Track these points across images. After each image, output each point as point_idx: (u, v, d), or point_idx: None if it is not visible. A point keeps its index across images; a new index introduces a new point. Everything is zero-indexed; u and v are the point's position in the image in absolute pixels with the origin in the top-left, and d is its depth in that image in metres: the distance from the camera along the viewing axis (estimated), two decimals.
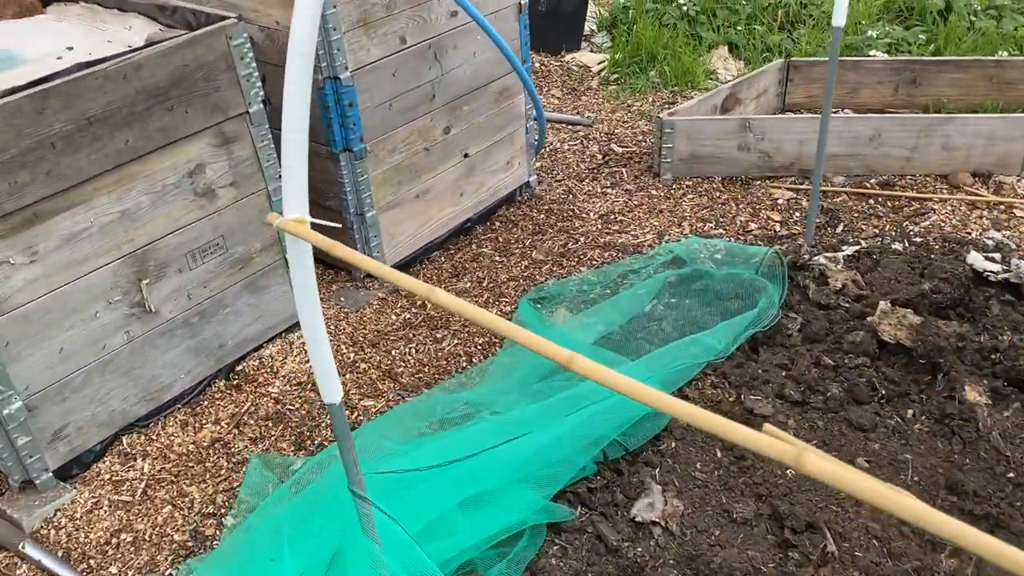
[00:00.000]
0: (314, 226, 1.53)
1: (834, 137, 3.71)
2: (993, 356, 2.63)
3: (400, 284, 1.33)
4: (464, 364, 2.95)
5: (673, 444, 2.49)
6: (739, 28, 5.32)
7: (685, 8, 5.38)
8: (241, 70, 2.61)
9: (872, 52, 4.68)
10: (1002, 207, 3.53)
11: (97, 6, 2.97)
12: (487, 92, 3.51)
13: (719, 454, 2.47)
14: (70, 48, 2.71)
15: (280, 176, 2.81)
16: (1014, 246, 3.26)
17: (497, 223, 3.72)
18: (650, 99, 4.70)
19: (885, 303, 2.82)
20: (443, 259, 3.51)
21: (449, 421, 2.58)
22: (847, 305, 2.96)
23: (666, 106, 4.61)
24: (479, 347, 3.02)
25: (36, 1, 3.15)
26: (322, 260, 3.31)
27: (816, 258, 3.19)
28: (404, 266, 3.45)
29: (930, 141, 3.67)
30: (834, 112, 4.43)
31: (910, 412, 2.53)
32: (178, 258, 2.64)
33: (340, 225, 1.75)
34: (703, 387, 2.70)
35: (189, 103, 2.51)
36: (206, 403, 2.84)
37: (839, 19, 2.93)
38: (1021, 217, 3.46)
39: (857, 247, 3.27)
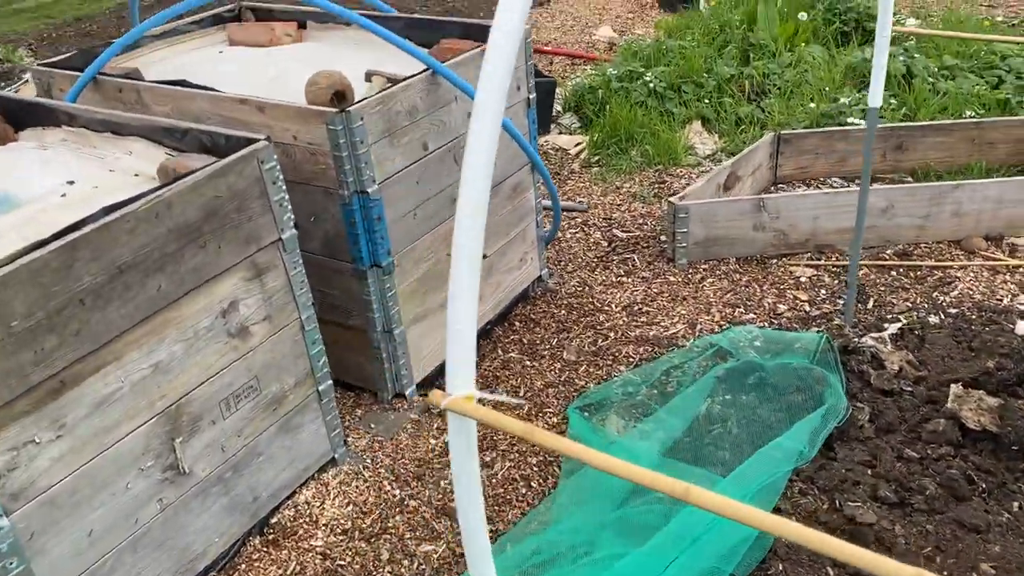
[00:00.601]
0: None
1: (846, 211, 3.67)
2: None
3: (645, 483, 1.12)
4: (523, 490, 2.71)
5: (780, 566, 2.31)
6: (707, 101, 5.34)
7: (652, 85, 5.38)
8: (274, 195, 2.37)
9: (850, 120, 4.74)
10: (1022, 270, 3.53)
11: (84, 129, 2.69)
12: (502, 190, 3.34)
13: (831, 572, 2.29)
14: (71, 182, 2.43)
15: (311, 303, 2.57)
16: None
17: (517, 323, 3.52)
18: (636, 179, 4.62)
19: (958, 387, 2.74)
20: None
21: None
22: (910, 389, 2.87)
23: (654, 186, 4.53)
24: (534, 468, 2.79)
25: (7, 126, 2.84)
26: (339, 380, 3.04)
27: (863, 340, 3.10)
28: (430, 381, 3.20)
29: (941, 209, 3.67)
30: (823, 182, 4.45)
31: (1016, 505, 2.42)
32: (212, 408, 2.34)
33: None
34: (792, 494, 2.54)
35: (222, 237, 2.25)
36: (243, 566, 2.51)
37: (875, 100, 2.89)
38: None
39: (899, 324, 3.20)
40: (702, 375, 3.11)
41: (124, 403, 2.10)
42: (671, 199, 3.69)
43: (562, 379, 3.18)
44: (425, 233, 3.01)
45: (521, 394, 3.12)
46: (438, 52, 3.31)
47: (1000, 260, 3.58)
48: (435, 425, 3.00)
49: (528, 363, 3.28)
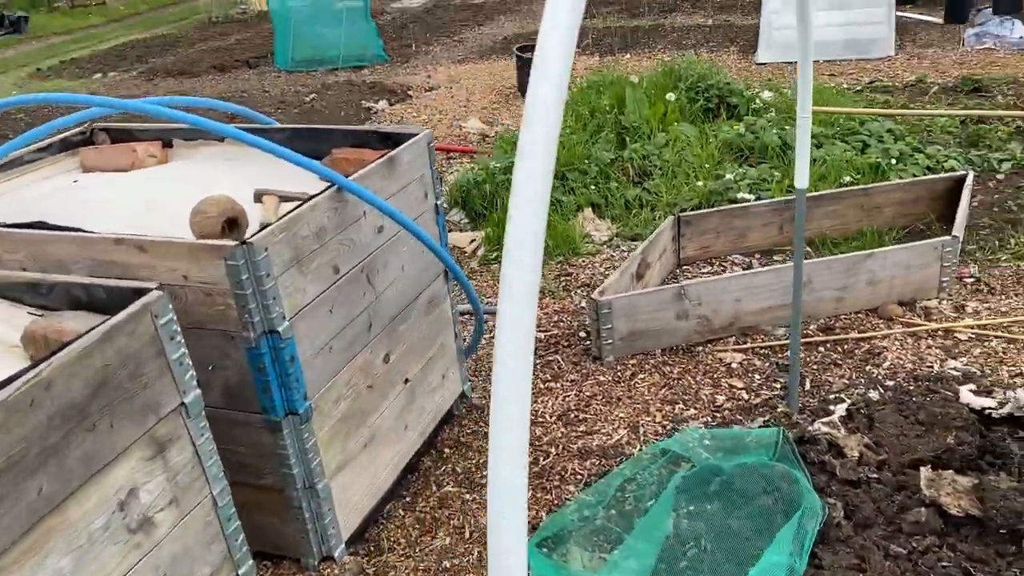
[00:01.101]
0: None
1: (766, 291, 3.60)
2: None
3: None
4: None
5: None
6: (593, 188, 5.28)
7: None
8: (172, 353, 1.99)
9: (739, 195, 4.76)
10: (940, 333, 3.54)
11: None
12: (418, 305, 3.05)
13: None
14: None
15: (223, 473, 2.17)
16: (979, 373, 3.24)
17: (446, 450, 3.19)
18: (541, 272, 4.43)
19: (927, 470, 2.62)
20: (403, 512, 2.91)
21: None
22: (876, 476, 2.73)
23: (561, 279, 4.36)
24: None
25: None
26: (253, 552, 2.60)
27: (815, 427, 2.97)
28: (360, 535, 2.81)
29: (857, 279, 3.66)
30: (724, 260, 4.41)
31: None
32: None
33: None
34: None
35: (114, 413, 1.84)
36: None
37: (802, 182, 2.82)
38: (964, 340, 3.48)
39: (844, 404, 3.10)
40: (659, 486, 2.87)
41: None
42: (592, 296, 3.51)
43: None
44: (342, 367, 2.66)
45: (467, 535, 2.78)
46: (332, 164, 3.03)
47: (919, 325, 3.58)
48: None
49: (468, 496, 2.94)
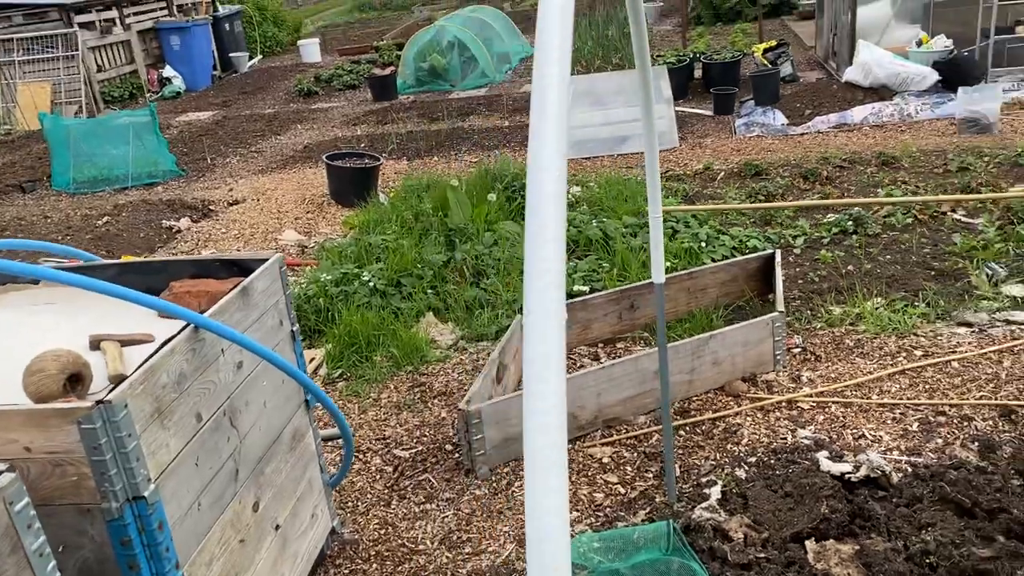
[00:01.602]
0: None
1: (626, 380, 3.68)
2: (930, 560, 2.64)
3: None
4: None
5: None
6: (430, 292, 5.24)
7: (372, 284, 5.17)
8: (30, 544, 1.69)
9: (576, 287, 4.90)
10: (784, 404, 3.76)
11: None
12: (282, 442, 2.83)
13: None
14: None
15: None
16: (827, 439, 3.45)
17: None
18: (392, 386, 4.30)
19: (812, 543, 2.72)
20: None
21: None
22: (764, 555, 2.80)
23: (414, 390, 4.24)
24: None
25: None
26: None
27: (695, 513, 3.02)
28: None
29: (702, 361, 3.83)
30: (571, 352, 4.48)
31: None
32: None
33: None
34: None
35: None
36: None
37: (659, 277, 2.93)
38: (807, 409, 3.71)
39: (717, 486, 3.18)
40: None
41: None
42: (459, 407, 3.42)
43: None
44: (213, 524, 2.39)
45: None
46: (175, 299, 2.78)
47: (765, 398, 3.79)
48: None
49: None
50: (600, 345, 4.53)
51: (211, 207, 8.41)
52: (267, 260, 2.84)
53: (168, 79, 15.57)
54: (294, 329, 2.97)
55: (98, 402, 1.97)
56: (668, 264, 5.25)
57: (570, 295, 4.87)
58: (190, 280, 2.92)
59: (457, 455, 3.62)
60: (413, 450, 3.71)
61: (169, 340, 2.27)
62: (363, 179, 7.79)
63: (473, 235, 5.97)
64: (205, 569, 2.34)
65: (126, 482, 2.04)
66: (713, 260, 5.30)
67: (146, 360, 2.17)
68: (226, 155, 11.04)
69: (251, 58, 17.73)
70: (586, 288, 4.92)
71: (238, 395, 2.56)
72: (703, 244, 5.51)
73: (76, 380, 2.22)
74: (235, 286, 2.66)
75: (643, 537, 2.96)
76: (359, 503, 3.40)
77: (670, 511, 3.09)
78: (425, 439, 3.79)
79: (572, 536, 3.06)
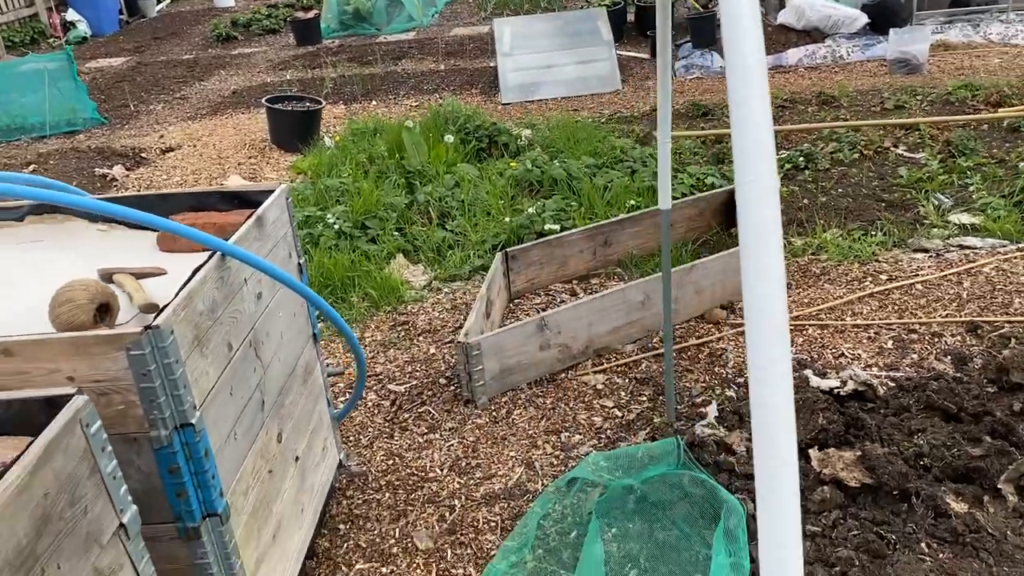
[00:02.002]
0: None
1: (614, 311, 3.76)
2: (924, 461, 2.83)
3: None
4: None
5: None
6: (397, 234, 5.20)
7: (338, 226, 5.09)
8: (105, 466, 1.66)
9: (547, 227, 4.93)
10: None
11: None
12: (296, 375, 2.80)
13: None
14: None
15: None
16: (808, 359, 3.62)
17: (341, 526, 2.95)
18: (373, 326, 4.27)
19: (815, 451, 2.87)
20: None
21: None
22: None
23: (397, 328, 4.23)
24: None
25: None
26: None
27: (696, 430, 3.14)
28: None
29: (685, 290, 3.94)
30: (547, 290, 4.54)
31: (923, 545, 2.56)
32: None
33: None
34: None
35: (59, 552, 1.49)
36: None
37: (665, 203, 2.99)
38: None
39: (712, 406, 3.31)
40: (576, 516, 2.88)
41: None
42: (459, 340, 3.44)
43: (433, 575, 2.70)
44: (247, 453, 2.37)
45: None
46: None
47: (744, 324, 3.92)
48: None
49: (384, 571, 2.74)
50: (575, 281, 4.59)
51: (143, 155, 8.07)
52: (274, 191, 2.78)
53: (72, 23, 14.70)
54: (300, 262, 2.92)
55: (146, 327, 1.92)
56: (633, 202, 5.34)
57: (541, 234, 4.91)
58: (191, 213, 2.83)
59: (453, 388, 3.65)
60: (407, 384, 3.72)
61: (199, 268, 2.21)
62: (306, 123, 7.60)
63: (433, 177, 5.92)
64: (242, 499, 2.33)
65: (174, 409, 2.00)
66: (673, 198, 5.40)
67: (182, 288, 2.11)
68: (149, 102, 10.57)
69: (159, 2, 16.89)
70: (557, 227, 4.95)
71: (260, 326, 2.52)
72: None
73: (104, 310, 2.15)
74: (248, 217, 2.60)
75: (648, 454, 3.06)
76: (361, 437, 3.40)
77: (671, 430, 3.20)
78: (418, 374, 3.80)
79: (579, 457, 3.15)
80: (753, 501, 2.78)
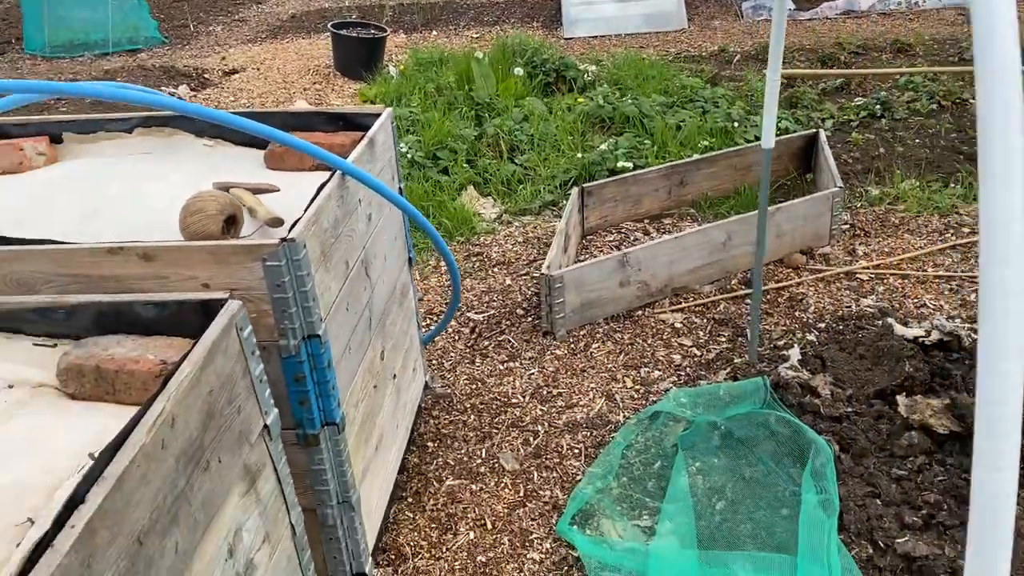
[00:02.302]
0: None
1: (696, 251, 3.77)
2: None
3: None
4: None
5: None
6: (466, 166, 5.21)
7: (411, 155, 5.11)
8: (255, 369, 1.73)
9: (619, 164, 4.91)
10: (843, 276, 3.90)
11: None
12: (395, 296, 2.87)
13: None
14: None
15: (295, 498, 1.94)
16: (890, 307, 3.61)
17: (429, 444, 3.04)
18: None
19: (903, 397, 2.89)
20: (412, 514, 2.75)
21: None
22: (852, 410, 2.97)
23: (472, 259, 4.27)
24: None
25: None
26: None
27: (783, 373, 3.17)
28: (376, 545, 2.62)
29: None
30: (619, 228, 4.54)
31: None
32: None
33: None
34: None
35: (220, 446, 1.57)
36: None
37: (768, 142, 2.97)
38: (866, 280, 3.85)
39: (794, 349, 3.33)
40: (660, 448, 2.94)
41: None
42: (543, 272, 3.48)
43: (521, 495, 2.79)
44: (358, 367, 2.45)
45: (490, 526, 2.68)
46: (284, 152, 2.76)
47: (825, 270, 3.92)
48: None
49: (473, 487, 2.83)
50: (647, 220, 4.59)
51: (206, 76, 8.11)
52: (381, 114, 2.80)
53: None
54: (400, 186, 2.96)
55: (283, 240, 1.97)
56: (706, 143, 5.29)
57: (613, 171, 4.89)
58: (297, 132, 2.87)
59: (531, 319, 3.70)
60: (486, 313, 3.78)
61: (323, 186, 2.25)
62: (371, 50, 7.57)
63: (502, 110, 5.89)
64: (354, 410, 2.41)
65: (303, 320, 2.07)
66: (745, 140, 5.34)
67: (310, 204, 2.16)
68: (208, 23, 10.57)
69: None
70: (629, 165, 4.93)
71: (369, 247, 2.58)
72: (735, 124, 5.54)
73: (231, 222, 2.21)
74: (357, 139, 2.63)
75: (730, 393, 3.11)
76: (444, 361, 3.48)
77: (753, 370, 3.23)
78: (495, 304, 3.85)
79: (662, 393, 3.20)
80: (839, 443, 2.82)
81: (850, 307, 3.66)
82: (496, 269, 4.16)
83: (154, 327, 1.71)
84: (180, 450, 1.42)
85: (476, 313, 3.78)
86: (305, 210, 2.12)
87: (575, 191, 4.27)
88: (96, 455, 1.32)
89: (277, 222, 2.25)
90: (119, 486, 1.24)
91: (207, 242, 2.00)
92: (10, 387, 1.65)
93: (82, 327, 1.74)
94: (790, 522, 2.56)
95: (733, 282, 3.91)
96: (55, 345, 1.75)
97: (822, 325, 3.53)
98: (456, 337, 3.63)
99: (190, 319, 1.69)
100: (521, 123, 5.68)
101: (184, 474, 1.44)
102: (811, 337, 3.47)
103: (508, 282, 4.02)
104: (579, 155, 5.10)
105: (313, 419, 2.19)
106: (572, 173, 5.01)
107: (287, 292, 2.00)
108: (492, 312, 3.79)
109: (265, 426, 1.77)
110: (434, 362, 3.48)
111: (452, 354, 3.52)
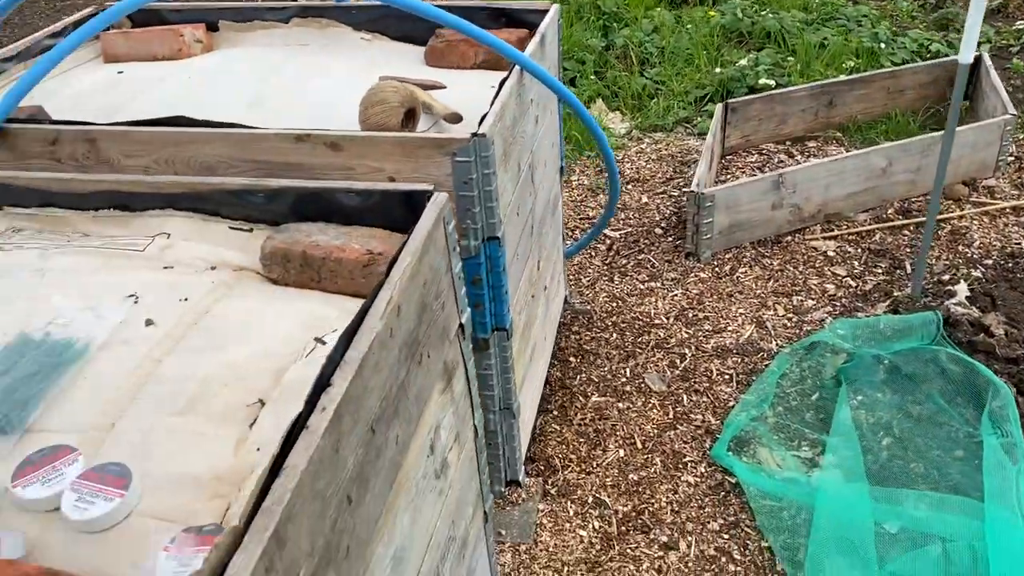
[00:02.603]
0: None
1: (853, 175, 3.55)
2: None
3: None
4: (734, 569, 2.24)
5: None
6: (593, 77, 5.01)
7: None
8: (455, 266, 1.66)
9: (761, 81, 4.65)
10: (1010, 210, 3.63)
11: (56, 210, 1.74)
12: (549, 205, 2.77)
13: None
14: (133, 297, 1.52)
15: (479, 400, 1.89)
16: None
17: (571, 358, 2.98)
18: (577, 170, 4.19)
19: None
20: (559, 427, 2.70)
21: None
22: None
23: (603, 175, 4.13)
24: (723, 538, 2.32)
25: None
26: None
27: (952, 309, 2.98)
28: (530, 456, 2.59)
29: (930, 161, 3.66)
30: (760, 150, 4.32)
31: None
32: None
33: None
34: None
35: (430, 341, 1.52)
36: None
37: (967, 57, 2.73)
38: None
39: (964, 285, 3.12)
40: (817, 380, 2.81)
41: None
42: (694, 188, 3.32)
43: (671, 417, 2.71)
44: (521, 275, 2.38)
45: (639, 444, 2.62)
46: (446, 46, 2.65)
47: (990, 203, 3.66)
48: (571, 510, 2.41)
49: (620, 406, 2.77)
50: (789, 143, 4.35)
51: None
52: (548, 10, 2.66)
53: None
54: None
55: (473, 135, 1.88)
56: (851, 63, 4.97)
57: (752, 89, 4.64)
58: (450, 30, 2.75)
59: (671, 238, 3.57)
60: (622, 231, 3.66)
61: (503, 82, 2.14)
62: None
63: (630, 20, 5.63)
64: (517, 318, 2.35)
65: (484, 221, 1.99)
66: (893, 63, 4.99)
67: (494, 99, 2.05)
68: None
69: None
70: (771, 82, 4.67)
71: (535, 151, 2.47)
72: (882, 45, 5.17)
73: (410, 116, 2.13)
74: (526, 36, 2.50)
75: (893, 327, 2.94)
76: (582, 278, 3.39)
77: (916, 305, 3.05)
78: (632, 222, 3.72)
79: (813, 322, 3.05)
80: (1016, 385, 2.65)
81: (1020, 244, 3.41)
82: (630, 186, 4.01)
83: (354, 216, 1.65)
84: (403, 340, 1.37)
85: (612, 230, 3.67)
86: (491, 104, 2.02)
87: (719, 107, 4.06)
88: (324, 340, 1.28)
89: (456, 118, 2.16)
90: (360, 372, 1.19)
91: (395, 133, 1.93)
92: (212, 268, 1.62)
93: (280, 213, 1.69)
94: (965, 464, 2.42)
95: (890, 211, 3.68)
96: (251, 230, 1.71)
97: (988, 261, 3.31)
98: (593, 254, 3.53)
99: (392, 210, 1.62)
100: (651, 35, 5.42)
101: (404, 365, 1.38)
102: (977, 273, 3.25)
103: (644, 200, 3.87)
104: (717, 70, 4.84)
105: (485, 323, 2.13)
106: (708, 89, 4.78)
107: (472, 191, 1.92)
108: (629, 230, 3.66)
109: (460, 325, 1.71)
110: (572, 278, 3.39)
111: (590, 271, 3.43)
